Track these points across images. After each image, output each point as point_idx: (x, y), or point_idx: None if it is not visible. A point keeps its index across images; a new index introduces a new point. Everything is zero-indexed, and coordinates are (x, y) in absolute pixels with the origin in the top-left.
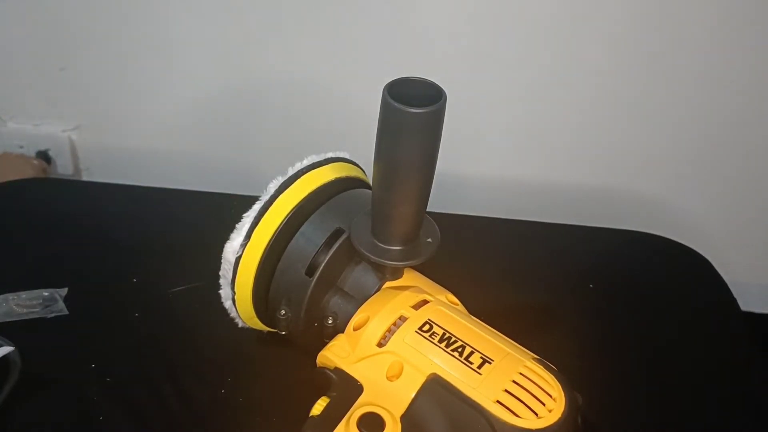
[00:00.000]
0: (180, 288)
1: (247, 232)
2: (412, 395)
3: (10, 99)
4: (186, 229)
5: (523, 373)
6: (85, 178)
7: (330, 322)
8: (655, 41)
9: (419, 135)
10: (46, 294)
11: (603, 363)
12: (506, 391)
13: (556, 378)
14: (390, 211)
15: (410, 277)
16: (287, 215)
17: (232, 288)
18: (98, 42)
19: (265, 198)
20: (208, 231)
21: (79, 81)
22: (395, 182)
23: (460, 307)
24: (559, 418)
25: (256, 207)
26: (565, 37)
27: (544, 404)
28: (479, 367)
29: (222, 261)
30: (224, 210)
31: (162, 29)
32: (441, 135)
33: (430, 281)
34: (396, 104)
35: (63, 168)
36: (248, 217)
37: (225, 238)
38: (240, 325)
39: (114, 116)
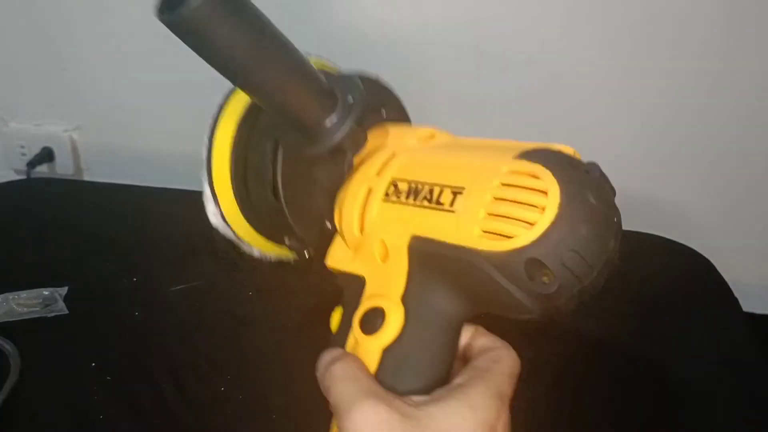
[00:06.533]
0: (180, 287)
1: (212, 194)
2: (406, 270)
3: (11, 99)
4: (186, 229)
5: (504, 182)
6: (85, 177)
7: (329, 225)
8: (656, 41)
9: (217, 30)
10: (46, 293)
11: (603, 363)
12: (489, 214)
13: (546, 164)
14: (279, 108)
15: (377, 135)
16: (231, 157)
17: (242, 241)
18: (98, 42)
19: (205, 151)
20: (207, 231)
21: (80, 81)
22: (251, 86)
23: (439, 136)
24: (557, 214)
25: (205, 162)
26: (567, 37)
27: (535, 206)
28: (451, 204)
29: (213, 229)
30: None
31: (162, 29)
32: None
33: (402, 126)
34: (166, 15)
35: (64, 167)
36: (204, 180)
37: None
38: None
39: (114, 116)
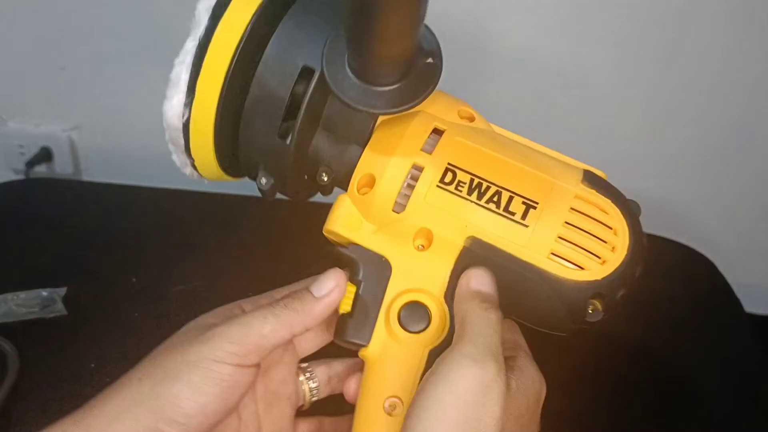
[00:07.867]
0: (180, 288)
1: (189, 86)
2: (451, 268)
3: (10, 98)
4: (186, 229)
5: (575, 207)
6: (85, 177)
7: (325, 178)
8: (658, 42)
9: None
10: (45, 294)
11: (602, 363)
12: (560, 238)
13: (613, 200)
14: (373, 39)
15: None
16: (236, 50)
17: (189, 155)
18: (98, 42)
19: (199, 31)
20: (207, 231)
21: (80, 81)
22: None
23: (478, 119)
24: (626, 255)
25: (190, 47)
26: (568, 37)
27: (605, 242)
28: (523, 216)
29: (164, 126)
30: (224, 210)
31: (162, 28)
32: None
33: (436, 90)
34: None
35: (63, 167)
36: (183, 64)
37: (224, 238)
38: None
39: (114, 116)
